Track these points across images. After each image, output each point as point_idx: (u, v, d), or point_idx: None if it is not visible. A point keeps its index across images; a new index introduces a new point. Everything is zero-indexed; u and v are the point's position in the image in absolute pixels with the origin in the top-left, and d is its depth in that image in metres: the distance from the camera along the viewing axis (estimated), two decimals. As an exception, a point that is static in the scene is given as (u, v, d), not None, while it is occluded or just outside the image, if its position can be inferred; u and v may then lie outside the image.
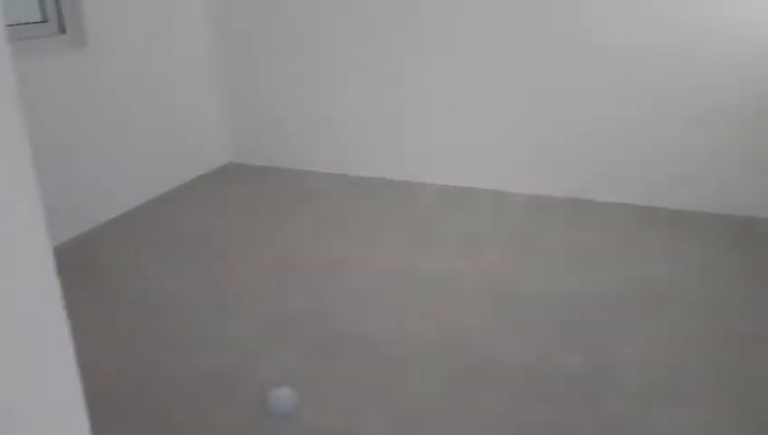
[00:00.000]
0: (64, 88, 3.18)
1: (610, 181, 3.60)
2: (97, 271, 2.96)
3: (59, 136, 3.18)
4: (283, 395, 1.98)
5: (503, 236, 3.23)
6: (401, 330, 2.44)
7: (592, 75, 3.46)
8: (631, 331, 2.39)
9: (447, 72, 3.73)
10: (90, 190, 3.39)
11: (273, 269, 2.94)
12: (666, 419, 1.94)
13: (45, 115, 3.09)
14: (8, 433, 0.60)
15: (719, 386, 2.09)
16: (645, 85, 3.39)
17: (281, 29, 4.01)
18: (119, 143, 3.53)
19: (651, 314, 2.51)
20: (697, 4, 3.17)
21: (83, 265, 3.02)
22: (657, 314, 2.51)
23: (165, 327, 2.50)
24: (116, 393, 2.12)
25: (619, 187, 3.60)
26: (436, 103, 3.82)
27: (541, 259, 2.98)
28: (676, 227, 3.29)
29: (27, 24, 3.04)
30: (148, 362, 2.28)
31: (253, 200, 3.79)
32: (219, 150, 4.39)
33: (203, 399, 2.08)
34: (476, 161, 3.85)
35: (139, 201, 3.72)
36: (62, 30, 3.18)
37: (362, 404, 2.03)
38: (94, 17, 3.27)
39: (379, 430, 1.92)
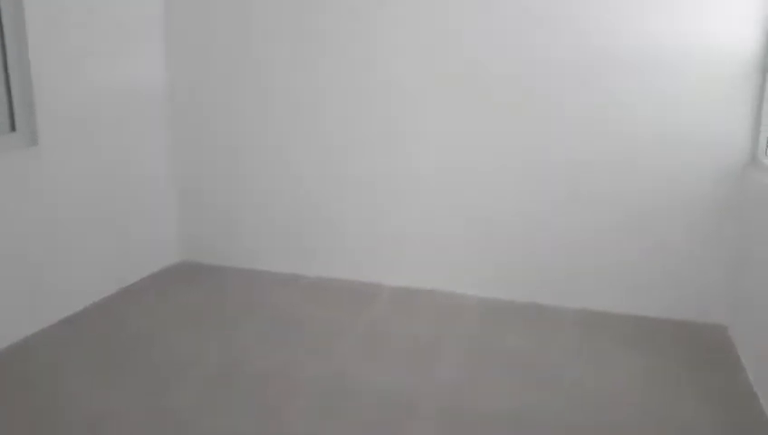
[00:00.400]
0: (13, 186, 3.06)
1: (566, 286, 3.59)
2: (28, 383, 2.75)
3: (3, 234, 3.03)
4: None
5: (456, 343, 3.15)
6: (354, 453, 2.28)
7: (546, 182, 3.52)
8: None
9: (403, 173, 3.75)
10: (34, 292, 3.21)
11: (219, 383, 2.77)
12: None
13: (-13, 215, 2.96)
14: None
15: None
16: (594, 193, 3.46)
17: (239, 122, 4.02)
18: (66, 241, 3.39)
19: (606, 429, 2.42)
20: (638, 116, 3.30)
21: (14, 376, 2.80)
22: (610, 428, 2.42)
23: (96, 450, 2.29)
24: None
25: (576, 292, 3.58)
26: (390, 204, 3.81)
27: (494, 371, 2.89)
28: (632, 334, 3.26)
29: (-25, 121, 2.96)
30: (74, 492, 2.06)
31: (201, 304, 3.65)
32: (171, 248, 4.27)
33: None
34: (431, 263, 3.81)
35: (83, 304, 3.53)
36: (13, 128, 3.10)
37: None
38: (46, 115, 3.20)
39: None
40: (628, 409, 2.59)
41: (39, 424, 2.44)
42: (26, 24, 3.06)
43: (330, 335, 3.23)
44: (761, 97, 3.14)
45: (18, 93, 3.10)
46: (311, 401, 2.63)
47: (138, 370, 2.87)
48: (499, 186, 3.60)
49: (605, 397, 2.68)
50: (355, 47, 3.69)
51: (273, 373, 2.84)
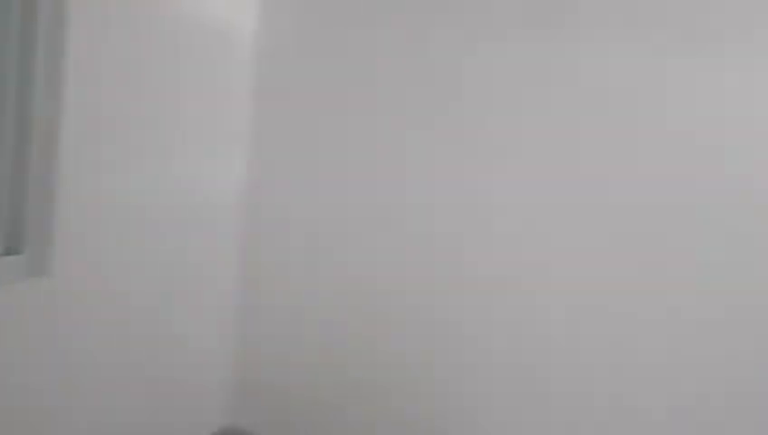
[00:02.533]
0: (8, 327, 2.01)
1: None
2: None
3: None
4: None
5: None
6: None
7: None
8: None
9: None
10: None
11: None
12: None
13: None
14: None
15: None
16: None
17: (322, 256, 2.94)
18: (82, 398, 2.30)
19: None
20: None
21: None
22: None
23: None
24: None
25: None
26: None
27: None
28: None
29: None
30: None
31: None
32: (215, 410, 3.13)
33: None
34: None
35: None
36: (16, 250, 2.08)
37: None
38: (66, 234, 2.17)
39: None
40: None
41: None
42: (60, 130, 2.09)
43: None
44: None
45: (34, 203, 2.10)
46: None
47: None
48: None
49: None
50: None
51: None
